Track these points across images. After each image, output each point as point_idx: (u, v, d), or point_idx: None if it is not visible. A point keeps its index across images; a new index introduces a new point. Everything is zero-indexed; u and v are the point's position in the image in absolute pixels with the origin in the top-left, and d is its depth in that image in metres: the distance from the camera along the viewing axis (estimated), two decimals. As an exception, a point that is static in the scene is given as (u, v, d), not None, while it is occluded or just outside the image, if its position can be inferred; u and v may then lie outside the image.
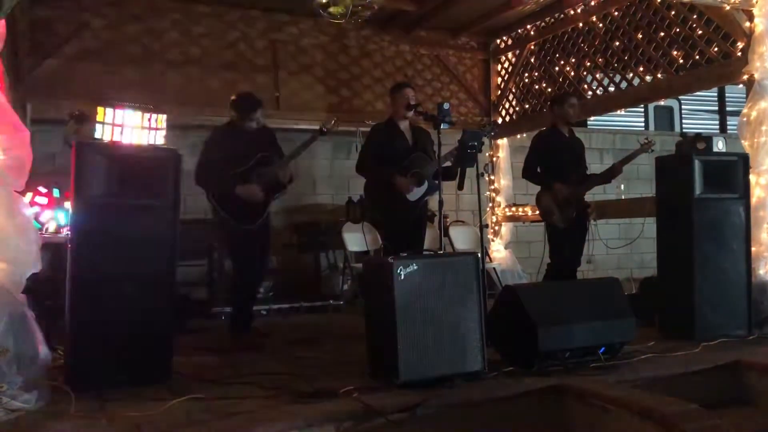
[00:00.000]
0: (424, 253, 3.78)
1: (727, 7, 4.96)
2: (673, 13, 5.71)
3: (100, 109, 3.41)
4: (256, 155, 4.58)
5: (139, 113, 3.53)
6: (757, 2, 4.88)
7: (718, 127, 13.23)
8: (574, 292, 3.90)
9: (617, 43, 6.35)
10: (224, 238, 4.79)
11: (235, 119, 4.69)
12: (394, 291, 3.15)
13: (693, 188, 4.39)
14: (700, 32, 5.42)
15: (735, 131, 5.16)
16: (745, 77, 4.97)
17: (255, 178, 4.55)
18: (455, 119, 6.42)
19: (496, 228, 7.95)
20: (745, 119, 4.91)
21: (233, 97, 4.77)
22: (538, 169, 5.46)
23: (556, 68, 7.16)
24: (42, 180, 4.65)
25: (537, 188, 5.55)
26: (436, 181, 4.37)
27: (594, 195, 5.77)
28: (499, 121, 7.89)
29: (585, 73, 6.85)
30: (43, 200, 4.74)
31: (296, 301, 6.59)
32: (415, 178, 4.70)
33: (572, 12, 6.70)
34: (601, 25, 6.54)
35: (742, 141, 4.93)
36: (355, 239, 6.81)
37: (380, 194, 4.77)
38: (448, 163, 4.62)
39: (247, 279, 4.76)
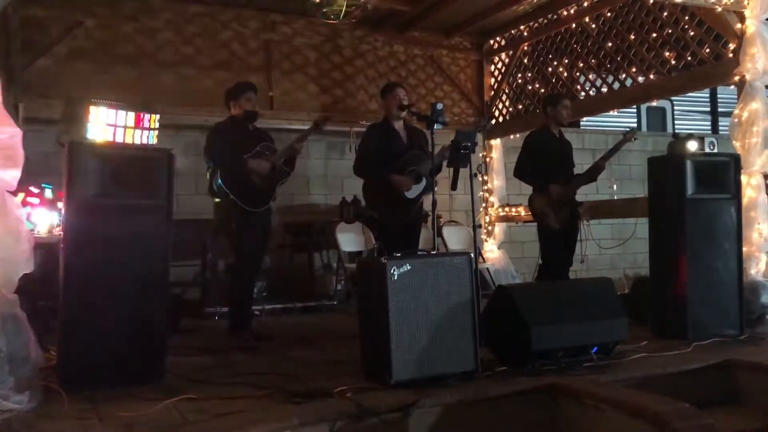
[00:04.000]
0: (418, 253, 3.78)
1: (719, 9, 4.99)
2: (665, 14, 5.74)
3: (92, 109, 3.40)
4: (258, 145, 4.78)
5: (132, 113, 3.52)
6: (748, 4, 4.92)
7: (710, 127, 13.28)
8: (567, 292, 3.91)
9: (610, 44, 6.37)
10: (229, 224, 4.80)
11: (233, 113, 4.82)
12: (387, 291, 3.16)
13: (685, 188, 4.41)
14: (692, 33, 5.46)
15: (727, 132, 5.19)
16: (737, 78, 5.00)
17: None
18: (449, 119, 6.42)
19: (490, 228, 7.97)
20: (736, 120, 4.95)
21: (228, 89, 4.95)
22: (530, 170, 5.47)
23: (549, 69, 7.19)
24: (34, 180, 4.63)
25: (530, 188, 5.56)
26: (433, 180, 4.39)
27: (586, 195, 5.79)
28: (492, 121, 7.91)
29: (578, 73, 6.88)
30: (36, 200, 4.72)
31: (290, 302, 6.58)
32: (413, 176, 4.71)
33: (565, 13, 6.72)
34: (593, 26, 6.57)
35: (734, 142, 4.96)
36: (349, 239, 6.81)
37: (379, 194, 4.78)
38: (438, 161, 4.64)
39: (248, 271, 4.84)
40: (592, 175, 5.48)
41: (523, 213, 7.34)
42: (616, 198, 7.62)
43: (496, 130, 7.82)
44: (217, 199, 4.73)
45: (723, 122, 12.81)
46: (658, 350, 3.90)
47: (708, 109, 13.52)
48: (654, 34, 5.87)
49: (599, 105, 6.75)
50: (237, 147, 4.67)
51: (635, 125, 12.46)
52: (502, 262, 7.79)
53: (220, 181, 4.60)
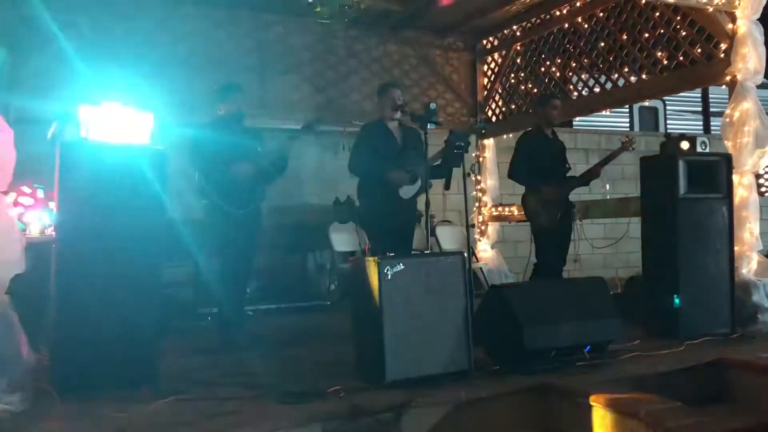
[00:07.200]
0: (411, 253, 3.78)
1: (710, 9, 5.02)
2: (657, 14, 5.75)
3: (84, 108, 3.39)
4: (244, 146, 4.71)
5: (124, 112, 3.51)
6: (739, 4, 4.94)
7: (701, 127, 13.36)
8: (560, 291, 3.92)
9: (602, 44, 6.39)
10: (212, 226, 4.78)
11: (220, 113, 4.81)
12: (380, 291, 3.16)
13: (677, 188, 4.43)
14: (683, 33, 5.47)
15: (718, 132, 5.21)
16: (728, 78, 5.02)
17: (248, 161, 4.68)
18: (442, 119, 6.42)
19: (483, 228, 7.97)
20: (728, 120, 4.97)
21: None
22: (523, 171, 5.47)
23: (542, 69, 7.20)
24: (26, 180, 4.61)
25: (523, 188, 5.56)
26: (428, 180, 4.39)
27: (579, 195, 5.80)
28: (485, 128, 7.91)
29: (570, 73, 6.89)
30: (28, 201, 4.70)
31: (283, 302, 6.57)
32: (409, 176, 4.71)
33: (558, 13, 6.73)
34: (586, 26, 6.58)
35: (725, 141, 4.98)
36: (342, 239, 6.82)
37: (374, 193, 4.77)
38: (437, 163, 4.64)
39: (234, 272, 4.76)
40: (585, 179, 5.50)
41: (516, 212, 7.34)
42: (608, 198, 7.64)
43: (490, 130, 7.82)
44: (203, 201, 4.71)
45: (715, 122, 12.90)
46: (650, 349, 3.92)
47: (700, 109, 13.60)
48: (646, 35, 5.89)
49: (592, 105, 6.77)
50: (221, 147, 4.59)
51: (628, 126, 12.54)
52: (496, 262, 7.80)
53: (203, 182, 4.58)
